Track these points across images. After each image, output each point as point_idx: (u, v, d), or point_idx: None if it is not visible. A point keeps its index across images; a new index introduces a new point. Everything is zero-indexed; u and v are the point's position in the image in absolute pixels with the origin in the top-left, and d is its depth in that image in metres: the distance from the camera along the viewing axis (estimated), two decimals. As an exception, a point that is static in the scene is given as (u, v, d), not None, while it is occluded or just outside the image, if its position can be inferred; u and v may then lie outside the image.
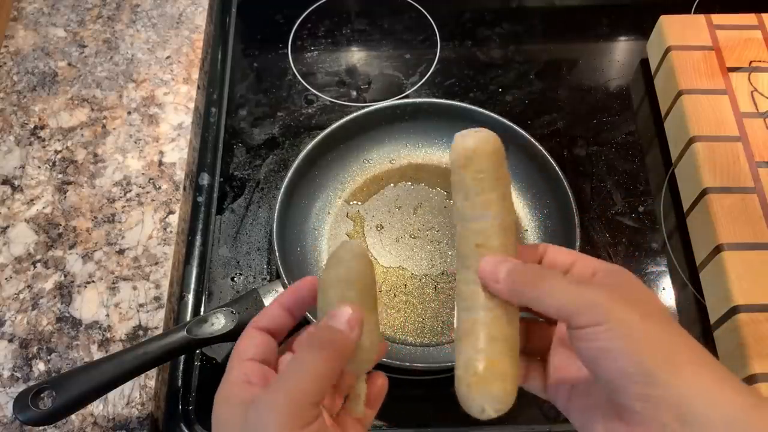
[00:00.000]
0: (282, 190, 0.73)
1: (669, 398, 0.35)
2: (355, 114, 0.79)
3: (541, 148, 0.75)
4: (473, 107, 0.79)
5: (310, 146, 0.76)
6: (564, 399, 0.43)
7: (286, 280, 0.68)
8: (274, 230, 0.71)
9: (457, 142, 0.43)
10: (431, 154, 0.82)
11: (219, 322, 0.64)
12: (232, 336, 0.65)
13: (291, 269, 0.71)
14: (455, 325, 0.42)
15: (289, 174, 0.74)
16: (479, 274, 0.41)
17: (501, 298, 0.40)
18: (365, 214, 0.79)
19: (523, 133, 0.76)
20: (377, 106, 0.80)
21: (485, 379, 0.39)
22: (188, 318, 0.74)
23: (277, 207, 0.72)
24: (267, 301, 0.67)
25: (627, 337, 0.36)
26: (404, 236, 0.77)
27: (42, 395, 0.56)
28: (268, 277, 0.76)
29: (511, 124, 0.77)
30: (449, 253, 0.76)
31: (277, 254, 0.69)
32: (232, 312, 0.65)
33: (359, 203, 0.79)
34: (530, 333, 0.46)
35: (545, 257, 0.44)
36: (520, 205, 0.78)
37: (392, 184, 0.81)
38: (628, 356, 0.36)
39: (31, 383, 0.64)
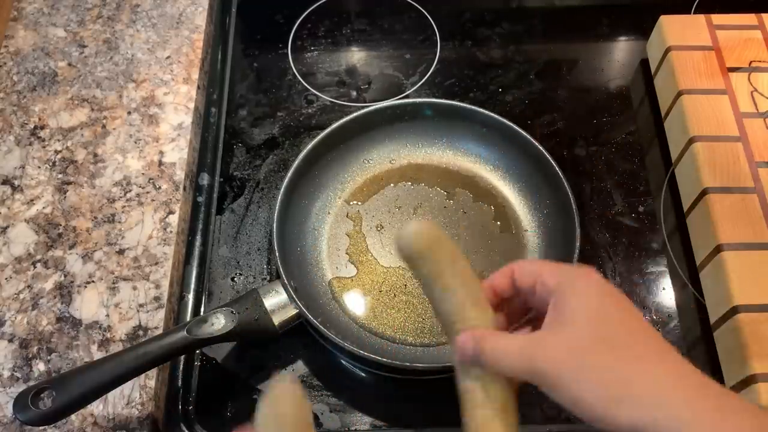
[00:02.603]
0: (282, 190, 0.73)
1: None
2: (355, 114, 0.79)
3: (541, 148, 0.75)
4: (473, 107, 0.79)
5: (310, 146, 0.76)
6: None
7: (285, 280, 0.68)
8: (274, 230, 0.71)
9: (399, 244, 0.46)
10: (431, 154, 0.82)
11: (219, 322, 0.64)
12: (232, 336, 0.65)
13: (291, 269, 0.71)
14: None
15: (289, 174, 0.74)
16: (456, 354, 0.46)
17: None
18: (365, 214, 0.79)
19: (523, 133, 0.76)
20: (377, 106, 0.80)
21: None
22: (188, 318, 0.74)
23: (277, 207, 0.72)
24: (267, 301, 0.67)
25: (573, 400, 0.40)
26: None
27: (42, 395, 0.56)
28: (268, 277, 0.76)
29: (511, 124, 0.77)
30: None
31: (277, 254, 0.70)
32: (232, 312, 0.65)
33: (359, 203, 0.79)
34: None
35: (515, 276, 0.47)
36: (521, 205, 0.78)
37: (392, 184, 0.81)
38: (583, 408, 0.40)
39: (31, 383, 0.64)
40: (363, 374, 0.71)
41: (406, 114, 0.80)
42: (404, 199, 0.80)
